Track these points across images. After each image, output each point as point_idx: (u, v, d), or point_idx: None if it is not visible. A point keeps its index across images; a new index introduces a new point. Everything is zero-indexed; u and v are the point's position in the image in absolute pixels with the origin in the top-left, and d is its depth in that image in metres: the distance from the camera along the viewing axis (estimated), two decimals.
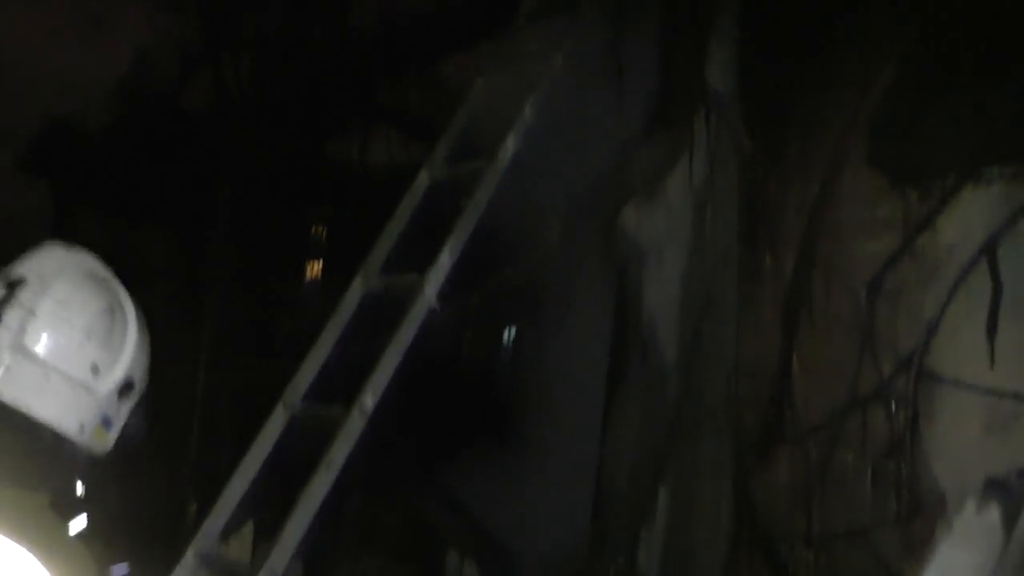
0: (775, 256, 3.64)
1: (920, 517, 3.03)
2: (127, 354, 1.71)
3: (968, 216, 3.16)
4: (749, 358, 3.67)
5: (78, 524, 1.69)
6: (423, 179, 3.56)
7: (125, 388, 1.72)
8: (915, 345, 3.07)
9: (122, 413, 1.73)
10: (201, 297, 6.46)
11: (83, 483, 1.70)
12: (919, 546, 3.01)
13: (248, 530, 4.79)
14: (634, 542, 3.97)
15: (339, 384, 3.35)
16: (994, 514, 1.95)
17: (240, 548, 4.33)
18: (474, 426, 4.89)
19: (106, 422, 1.70)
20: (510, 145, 3.40)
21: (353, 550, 4.77)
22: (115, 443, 1.73)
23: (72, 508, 1.69)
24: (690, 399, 3.77)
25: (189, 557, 3.02)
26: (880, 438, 3.12)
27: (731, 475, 3.60)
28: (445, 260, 3.20)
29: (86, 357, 1.65)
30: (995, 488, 2.00)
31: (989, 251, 3.04)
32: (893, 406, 3.03)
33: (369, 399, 3.05)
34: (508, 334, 4.74)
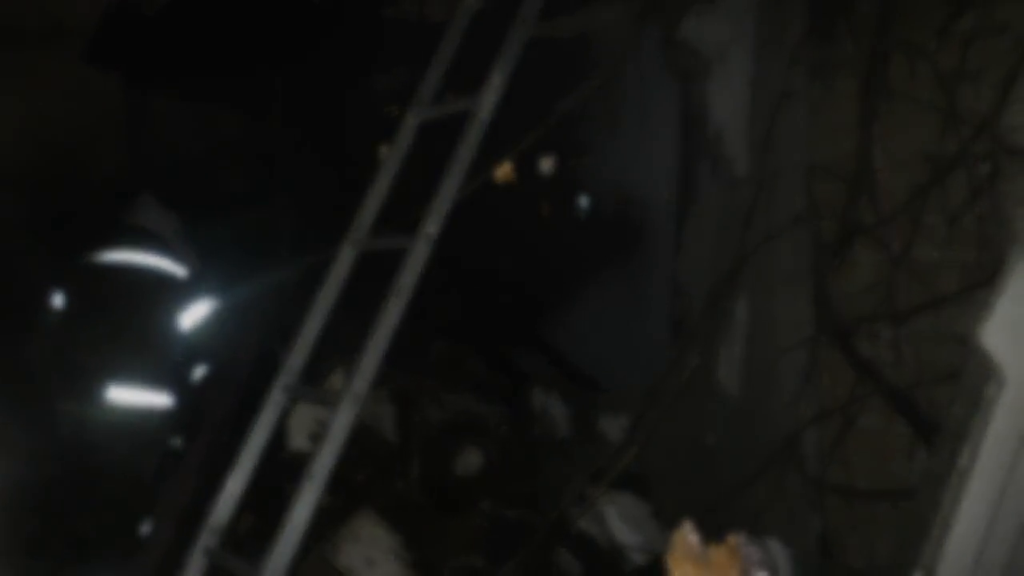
0: (855, 41, 3.41)
1: None
2: None
3: None
4: (825, 157, 3.51)
5: None
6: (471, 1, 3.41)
7: None
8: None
9: None
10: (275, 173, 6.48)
11: None
12: None
13: (338, 376, 4.93)
14: (714, 359, 3.95)
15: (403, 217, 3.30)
16: None
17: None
18: (555, 268, 4.87)
19: None
20: None
21: (437, 391, 4.88)
22: None
23: None
24: (764, 206, 3.65)
25: (276, 392, 3.11)
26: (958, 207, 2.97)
27: (810, 279, 3.49)
28: (497, 80, 3.09)
29: None
30: None
31: None
32: (973, 170, 2.87)
33: (433, 226, 3.03)
34: (577, 165, 4.61)
